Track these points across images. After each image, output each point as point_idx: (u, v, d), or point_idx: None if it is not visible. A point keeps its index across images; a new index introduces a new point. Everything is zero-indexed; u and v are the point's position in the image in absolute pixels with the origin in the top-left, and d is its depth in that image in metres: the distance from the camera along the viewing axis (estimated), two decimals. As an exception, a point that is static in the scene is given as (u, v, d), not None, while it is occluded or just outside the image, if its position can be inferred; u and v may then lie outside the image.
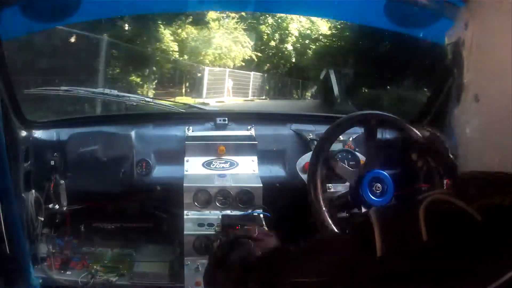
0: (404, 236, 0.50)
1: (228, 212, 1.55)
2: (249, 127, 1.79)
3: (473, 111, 0.52)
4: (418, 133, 1.31)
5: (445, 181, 1.32)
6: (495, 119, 0.49)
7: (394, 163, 1.48)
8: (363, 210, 1.26)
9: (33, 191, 1.59)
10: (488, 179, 0.49)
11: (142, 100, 1.98)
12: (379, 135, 1.80)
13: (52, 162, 1.65)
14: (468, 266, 0.44)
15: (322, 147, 1.28)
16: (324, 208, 1.22)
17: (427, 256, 0.46)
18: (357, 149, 1.65)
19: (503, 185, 0.47)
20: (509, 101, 0.46)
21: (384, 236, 0.50)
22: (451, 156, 1.17)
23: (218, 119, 1.80)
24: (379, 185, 1.25)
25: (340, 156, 1.63)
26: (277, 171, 1.75)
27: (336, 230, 1.19)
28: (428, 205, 0.50)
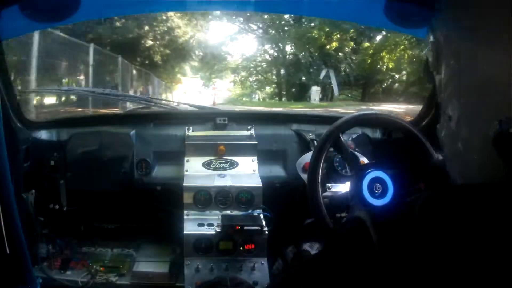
0: (401, 235, 0.50)
1: (228, 212, 1.55)
2: (249, 127, 1.79)
3: (447, 126, 0.53)
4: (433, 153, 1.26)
5: None
6: (463, 138, 0.50)
7: (394, 163, 1.48)
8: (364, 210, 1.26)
9: (33, 191, 1.59)
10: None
11: (142, 100, 1.98)
12: (378, 135, 1.82)
13: (52, 162, 1.65)
14: (469, 262, 0.44)
15: (323, 147, 1.28)
16: (323, 208, 1.22)
17: (426, 253, 0.47)
18: (357, 149, 1.65)
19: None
20: (476, 120, 0.47)
21: (381, 237, 0.50)
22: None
23: (218, 119, 1.80)
24: (379, 185, 1.25)
25: (340, 156, 1.64)
26: (277, 171, 1.75)
27: (335, 230, 1.19)
28: (424, 204, 0.50)
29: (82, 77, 8.04)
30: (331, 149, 1.31)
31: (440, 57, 0.52)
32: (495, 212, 0.46)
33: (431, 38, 0.54)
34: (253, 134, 1.77)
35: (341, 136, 1.28)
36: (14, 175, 1.26)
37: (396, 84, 14.31)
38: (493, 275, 0.43)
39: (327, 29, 13.30)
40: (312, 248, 1.60)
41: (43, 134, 1.70)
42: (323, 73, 13.83)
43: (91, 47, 7.76)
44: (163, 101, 1.95)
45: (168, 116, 1.88)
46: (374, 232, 0.51)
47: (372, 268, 0.50)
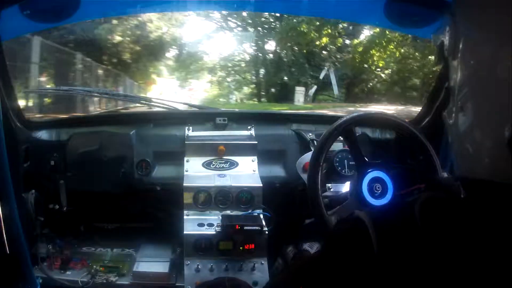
0: (401, 235, 0.50)
1: (228, 212, 1.55)
2: (249, 127, 1.79)
3: (458, 116, 0.52)
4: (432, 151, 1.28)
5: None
6: (475, 128, 0.49)
7: (394, 163, 1.48)
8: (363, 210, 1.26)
9: (33, 191, 1.59)
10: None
11: (142, 100, 1.98)
12: (379, 135, 1.82)
13: (52, 162, 1.65)
14: (470, 263, 0.44)
15: (323, 146, 1.28)
16: (324, 208, 1.22)
17: (426, 254, 0.47)
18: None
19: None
20: (488, 111, 0.47)
21: (381, 237, 0.51)
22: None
23: (218, 119, 1.80)
24: (379, 185, 1.25)
25: (340, 156, 1.64)
26: (277, 171, 1.75)
27: (335, 230, 1.19)
28: (423, 204, 0.51)
29: (25, 78, 5.83)
30: (332, 148, 1.31)
31: (456, 50, 0.51)
32: (496, 212, 0.46)
33: (447, 36, 0.53)
34: (253, 134, 1.77)
35: (354, 129, 1.28)
36: (14, 175, 1.26)
37: (379, 84, 13.95)
38: (494, 276, 0.43)
39: (317, 23, 12.87)
40: (312, 248, 1.60)
41: (43, 134, 1.70)
42: (323, 73, 13.72)
43: (35, 40, 5.82)
44: (163, 101, 1.95)
45: (168, 116, 1.88)
46: (373, 232, 0.51)
47: (372, 269, 0.50)
